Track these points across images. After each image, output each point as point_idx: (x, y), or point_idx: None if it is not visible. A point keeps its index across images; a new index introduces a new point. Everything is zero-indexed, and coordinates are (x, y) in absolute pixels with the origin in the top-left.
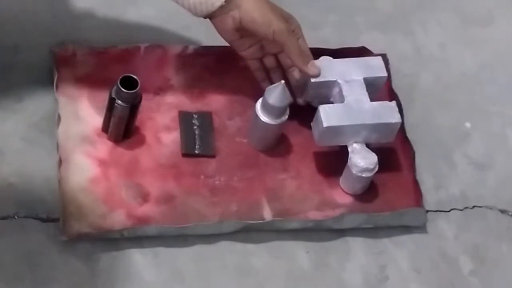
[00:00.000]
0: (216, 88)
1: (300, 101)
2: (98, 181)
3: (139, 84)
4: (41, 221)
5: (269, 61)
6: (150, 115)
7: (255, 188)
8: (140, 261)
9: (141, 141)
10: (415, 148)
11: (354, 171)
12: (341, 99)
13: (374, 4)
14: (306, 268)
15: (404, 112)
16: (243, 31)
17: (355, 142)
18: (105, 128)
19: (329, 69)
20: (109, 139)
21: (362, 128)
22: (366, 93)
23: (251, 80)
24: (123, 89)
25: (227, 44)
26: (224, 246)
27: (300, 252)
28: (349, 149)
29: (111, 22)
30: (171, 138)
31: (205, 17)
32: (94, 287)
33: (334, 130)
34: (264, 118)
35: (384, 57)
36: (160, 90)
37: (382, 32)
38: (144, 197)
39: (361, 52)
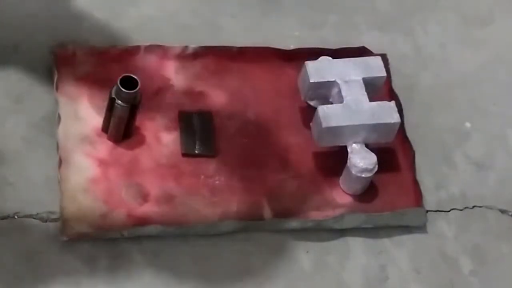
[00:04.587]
0: (216, 88)
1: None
2: (98, 181)
3: (139, 84)
4: (41, 221)
5: None
6: (150, 115)
7: (255, 188)
8: (140, 261)
9: (141, 141)
10: (415, 148)
11: (353, 172)
12: (340, 100)
13: (374, 4)
14: (306, 268)
15: (404, 112)
16: None
17: (355, 143)
18: (105, 128)
19: (328, 69)
20: (109, 139)
21: (361, 128)
22: (365, 93)
23: (251, 80)
24: (123, 89)
25: (227, 44)
26: (224, 246)
27: (300, 252)
28: (349, 150)
29: (111, 22)
30: (171, 138)
31: None
32: (94, 287)
33: (333, 131)
34: None
35: (384, 57)
36: (160, 90)
37: (382, 32)
38: (144, 197)
39: (361, 52)
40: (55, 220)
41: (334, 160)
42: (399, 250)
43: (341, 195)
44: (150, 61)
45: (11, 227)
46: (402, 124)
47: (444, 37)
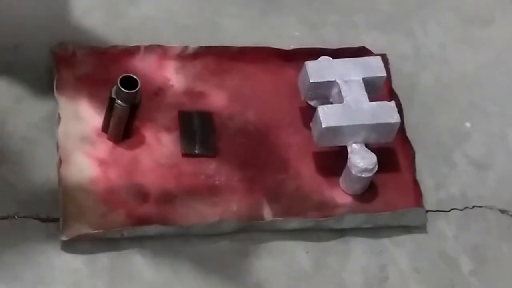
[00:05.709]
0: (216, 88)
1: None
2: (98, 181)
3: (139, 84)
4: (41, 221)
5: None
6: (150, 115)
7: (255, 188)
8: (140, 261)
9: (141, 141)
10: (415, 148)
11: (353, 172)
12: (340, 100)
13: (374, 4)
14: (306, 268)
15: (404, 112)
16: None
17: (355, 143)
18: (105, 128)
19: (328, 69)
20: (109, 139)
21: (361, 128)
22: (365, 93)
23: (251, 80)
24: (123, 89)
25: (227, 44)
26: (224, 246)
27: (300, 252)
28: (349, 150)
29: (111, 22)
30: (171, 138)
31: None
32: (94, 287)
33: (333, 131)
34: None
35: (384, 57)
36: (160, 90)
37: (382, 32)
38: (144, 197)
39: (361, 52)
40: (55, 220)
41: (334, 160)
42: (399, 250)
43: (341, 195)
44: (150, 61)
45: (11, 227)
46: (402, 124)
47: (444, 37)
